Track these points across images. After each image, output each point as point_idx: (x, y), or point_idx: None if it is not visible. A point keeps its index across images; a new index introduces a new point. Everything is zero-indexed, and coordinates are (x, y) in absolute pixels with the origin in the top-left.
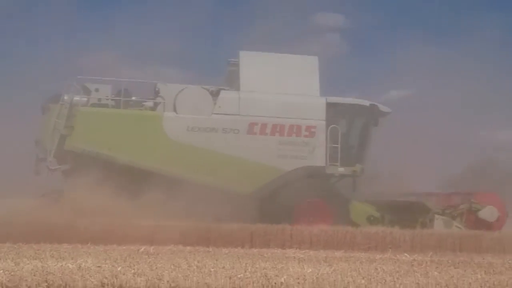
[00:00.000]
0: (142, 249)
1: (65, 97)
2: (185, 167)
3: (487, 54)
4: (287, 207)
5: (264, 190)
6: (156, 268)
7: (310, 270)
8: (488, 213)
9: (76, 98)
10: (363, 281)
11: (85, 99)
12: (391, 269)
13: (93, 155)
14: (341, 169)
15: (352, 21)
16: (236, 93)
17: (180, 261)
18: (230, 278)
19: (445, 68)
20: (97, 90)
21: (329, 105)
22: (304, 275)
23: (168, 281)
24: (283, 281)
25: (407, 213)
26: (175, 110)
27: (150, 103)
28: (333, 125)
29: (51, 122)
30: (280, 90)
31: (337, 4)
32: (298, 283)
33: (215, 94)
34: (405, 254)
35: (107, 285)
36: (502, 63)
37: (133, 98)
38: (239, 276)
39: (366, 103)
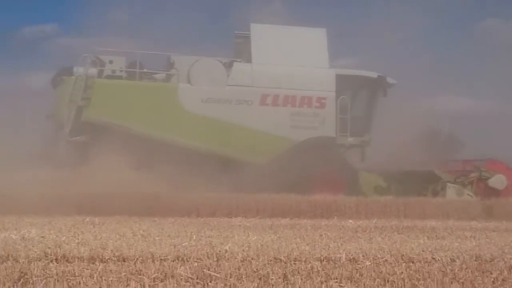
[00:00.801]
0: (87, 219)
1: (81, 69)
2: (200, 138)
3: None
4: (299, 177)
5: (277, 160)
6: (101, 237)
7: (255, 237)
8: (498, 181)
9: (92, 69)
10: (307, 248)
11: (101, 70)
12: (335, 235)
13: (109, 126)
14: (350, 139)
15: None
16: (248, 65)
17: (125, 231)
18: (174, 246)
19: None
20: (111, 62)
21: (339, 77)
22: (249, 243)
23: (112, 250)
24: (227, 249)
25: (416, 182)
26: (189, 81)
27: (161, 75)
28: (342, 96)
29: (67, 94)
30: (291, 62)
31: None
32: (243, 250)
33: (228, 66)
34: (350, 220)
35: (50, 255)
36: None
37: (147, 70)
38: (183, 244)
39: (374, 74)
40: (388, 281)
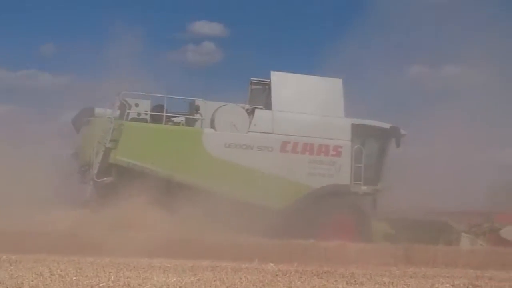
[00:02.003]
0: (4, 257)
1: (102, 111)
2: (222, 182)
3: None
4: (315, 223)
5: (294, 206)
6: (17, 276)
7: (174, 279)
8: (509, 232)
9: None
10: None
11: (125, 112)
12: (255, 278)
13: (136, 168)
14: (364, 188)
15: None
16: (270, 112)
17: (43, 270)
18: (91, 287)
19: None
20: (137, 105)
21: (354, 127)
22: (168, 284)
23: None
24: None
25: (428, 231)
26: (213, 126)
27: (180, 118)
28: (357, 146)
29: (94, 135)
30: (309, 110)
31: (214, 13)
32: None
33: (250, 113)
34: (271, 263)
35: None
36: None
37: (172, 113)
38: (101, 285)
39: (387, 125)
40: None
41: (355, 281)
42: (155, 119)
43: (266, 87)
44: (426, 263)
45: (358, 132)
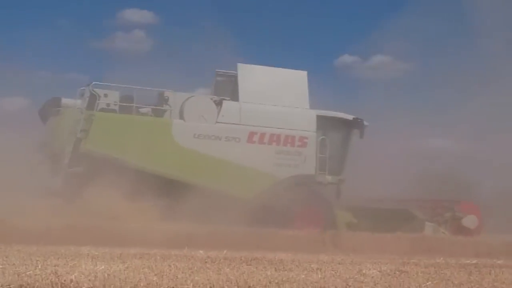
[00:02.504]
0: None
1: (69, 101)
2: (191, 172)
3: None
4: (281, 212)
5: (261, 196)
6: None
7: (103, 267)
8: (469, 221)
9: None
10: (155, 278)
11: (93, 103)
12: (184, 266)
13: (106, 158)
14: (328, 178)
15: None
16: (237, 104)
17: None
18: (18, 275)
19: None
20: (106, 95)
21: (319, 118)
22: (96, 272)
23: None
24: (73, 278)
25: (391, 219)
26: (182, 117)
27: (148, 109)
28: (322, 137)
29: (64, 126)
30: (275, 102)
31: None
32: (89, 280)
33: (218, 104)
34: (200, 251)
35: None
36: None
37: (142, 105)
38: (28, 273)
39: (350, 117)
40: None
41: (283, 267)
42: (124, 110)
43: (232, 79)
44: (354, 250)
45: (323, 123)
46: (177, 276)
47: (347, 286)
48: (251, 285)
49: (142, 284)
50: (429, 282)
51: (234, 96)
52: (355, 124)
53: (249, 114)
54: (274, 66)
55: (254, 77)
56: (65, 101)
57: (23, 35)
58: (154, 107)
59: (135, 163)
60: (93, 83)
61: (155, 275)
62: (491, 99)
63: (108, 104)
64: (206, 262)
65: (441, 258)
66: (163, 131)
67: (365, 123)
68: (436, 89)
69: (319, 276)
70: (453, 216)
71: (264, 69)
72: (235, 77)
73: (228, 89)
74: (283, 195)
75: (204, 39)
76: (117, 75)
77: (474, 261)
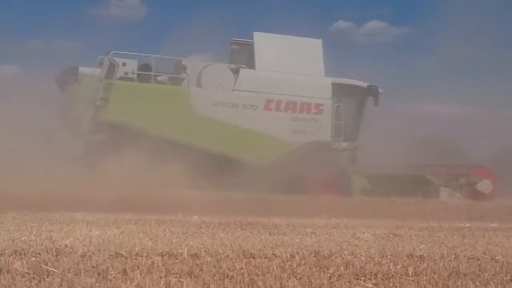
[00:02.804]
0: None
1: (87, 70)
2: (209, 139)
3: None
4: (297, 178)
5: (278, 162)
6: None
7: (97, 232)
8: (484, 185)
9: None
10: (149, 243)
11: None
12: (178, 230)
13: (125, 126)
14: (343, 144)
15: None
16: (253, 72)
17: None
18: (12, 240)
19: None
20: (124, 64)
21: (334, 85)
22: (91, 237)
23: None
24: (67, 244)
25: (407, 185)
26: (200, 85)
27: (164, 77)
28: (337, 104)
29: (84, 94)
30: (291, 69)
31: None
32: (83, 245)
33: (235, 72)
34: (195, 216)
35: None
36: None
37: (160, 72)
38: (22, 238)
39: (364, 84)
40: (227, 276)
41: (278, 231)
42: (142, 78)
43: (248, 47)
44: (348, 215)
45: (338, 90)
46: (171, 241)
47: (341, 250)
48: (245, 249)
49: (136, 249)
50: (423, 245)
51: (250, 64)
52: (370, 92)
53: (266, 82)
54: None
55: (270, 46)
56: (82, 69)
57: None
58: (172, 75)
59: (153, 131)
60: (112, 52)
61: (150, 239)
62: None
63: (126, 73)
64: (200, 227)
65: (435, 222)
66: (181, 99)
67: (380, 90)
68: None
69: (314, 240)
70: (468, 181)
71: (280, 37)
72: (250, 45)
73: (243, 57)
74: (299, 161)
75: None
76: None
77: (468, 225)
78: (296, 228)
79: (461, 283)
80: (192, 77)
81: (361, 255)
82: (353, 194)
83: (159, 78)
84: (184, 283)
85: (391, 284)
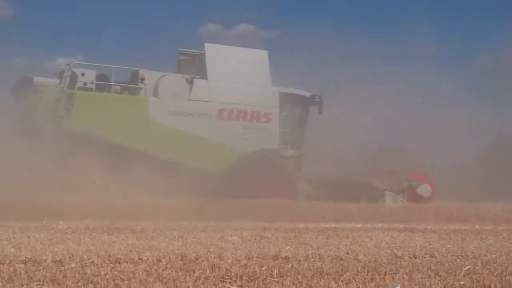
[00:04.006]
0: None
1: (40, 80)
2: (165, 147)
3: None
4: (248, 184)
5: (230, 169)
6: None
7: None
8: (424, 189)
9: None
10: (12, 250)
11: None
12: (43, 237)
13: (87, 134)
14: (290, 151)
15: None
16: (206, 82)
17: None
18: None
19: None
20: (83, 74)
21: (281, 95)
22: None
23: None
24: None
25: (351, 190)
26: (157, 95)
27: (117, 87)
28: (284, 113)
29: (44, 104)
30: (240, 80)
31: None
32: None
33: (189, 82)
34: (61, 222)
35: None
36: None
37: (119, 83)
38: None
39: (308, 94)
40: (92, 282)
41: (145, 236)
42: (100, 88)
43: (197, 58)
44: (216, 218)
45: (284, 100)
46: (35, 247)
47: (208, 253)
48: (111, 254)
49: None
50: (289, 247)
51: (201, 74)
52: (313, 101)
53: (218, 92)
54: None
55: (220, 57)
56: (37, 79)
57: None
58: (129, 85)
59: (114, 139)
60: (74, 62)
61: (13, 247)
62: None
63: (85, 83)
64: (66, 233)
65: (301, 224)
66: (139, 108)
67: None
68: None
69: (181, 243)
70: (410, 186)
71: (229, 48)
72: (200, 56)
73: (192, 67)
74: (250, 167)
75: None
76: None
77: (333, 225)
78: (163, 232)
79: (324, 282)
80: (149, 87)
81: (228, 258)
82: (299, 199)
83: (115, 88)
84: None
85: (256, 285)
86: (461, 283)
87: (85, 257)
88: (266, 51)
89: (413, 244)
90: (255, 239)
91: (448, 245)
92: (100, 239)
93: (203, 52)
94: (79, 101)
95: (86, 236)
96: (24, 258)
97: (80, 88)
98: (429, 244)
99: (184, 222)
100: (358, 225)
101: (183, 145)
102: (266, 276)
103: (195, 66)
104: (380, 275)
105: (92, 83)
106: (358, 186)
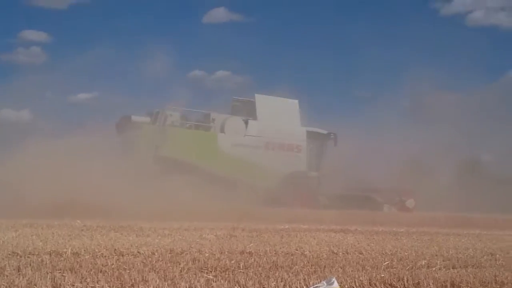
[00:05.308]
0: None
1: (138, 118)
2: (229, 169)
3: None
4: (284, 196)
5: (275, 184)
6: None
7: None
8: (410, 203)
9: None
10: (40, 243)
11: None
12: (64, 233)
13: (175, 159)
14: (314, 173)
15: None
16: (257, 122)
17: None
18: None
19: None
20: (171, 115)
21: (308, 132)
22: None
23: None
24: None
25: (357, 202)
26: (223, 131)
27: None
28: (310, 144)
29: (144, 137)
30: (280, 120)
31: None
32: None
33: (245, 122)
34: (78, 220)
35: None
36: None
37: (198, 123)
38: None
39: (324, 131)
40: (101, 271)
41: (143, 233)
42: (182, 125)
43: (248, 104)
44: (199, 219)
45: (309, 135)
46: (58, 242)
47: (191, 248)
48: (116, 249)
49: (30, 249)
50: (252, 244)
51: (251, 116)
52: (329, 136)
53: (266, 130)
54: None
55: (266, 104)
56: (134, 118)
57: None
58: (203, 123)
59: (192, 162)
60: (168, 106)
61: (41, 241)
62: None
63: (172, 121)
64: (82, 230)
65: (262, 225)
66: (211, 140)
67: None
68: None
69: (169, 240)
70: (400, 200)
71: (271, 98)
72: (251, 102)
73: (243, 111)
74: (286, 184)
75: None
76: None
77: (287, 226)
78: (156, 230)
79: (279, 274)
80: (217, 125)
81: (206, 252)
82: (320, 207)
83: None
84: (66, 277)
85: (227, 275)
86: (382, 275)
87: (96, 250)
88: (297, 100)
89: (346, 243)
90: (226, 237)
91: (372, 244)
92: (108, 235)
93: (253, 100)
94: (170, 134)
95: (97, 233)
96: (49, 250)
97: (169, 125)
98: (358, 243)
99: (172, 222)
100: (305, 226)
101: (241, 168)
102: (234, 268)
103: (246, 110)
104: (321, 268)
105: (177, 122)
106: (361, 199)
